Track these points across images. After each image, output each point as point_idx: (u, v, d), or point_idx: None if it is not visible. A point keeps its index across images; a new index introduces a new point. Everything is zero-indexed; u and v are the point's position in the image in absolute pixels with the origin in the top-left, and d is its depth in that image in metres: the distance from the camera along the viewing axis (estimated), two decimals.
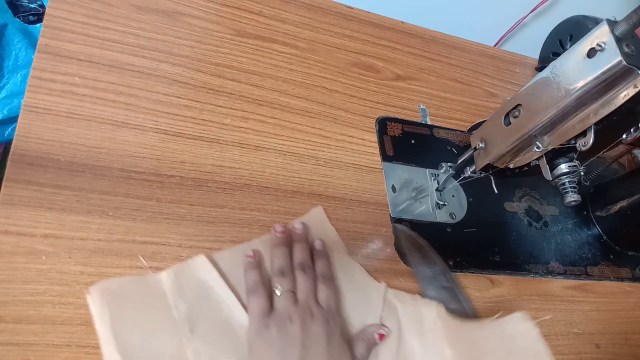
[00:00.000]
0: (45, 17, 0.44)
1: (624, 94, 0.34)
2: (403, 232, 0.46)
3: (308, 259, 0.41)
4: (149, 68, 0.46)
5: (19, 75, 0.78)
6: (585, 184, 0.60)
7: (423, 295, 0.44)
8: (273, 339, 0.35)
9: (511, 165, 0.44)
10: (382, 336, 0.40)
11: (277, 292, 0.38)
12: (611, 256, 0.56)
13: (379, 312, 0.42)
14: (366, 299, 0.42)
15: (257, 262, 0.40)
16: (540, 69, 0.72)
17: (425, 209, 0.51)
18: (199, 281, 0.38)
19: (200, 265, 0.38)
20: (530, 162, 0.42)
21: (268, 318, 0.37)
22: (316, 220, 0.45)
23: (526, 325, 0.41)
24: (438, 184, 0.53)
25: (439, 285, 0.44)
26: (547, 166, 0.41)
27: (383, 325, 0.41)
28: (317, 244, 0.43)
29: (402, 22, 0.66)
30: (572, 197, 0.41)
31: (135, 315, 0.35)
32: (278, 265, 0.40)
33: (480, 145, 0.45)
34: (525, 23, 0.87)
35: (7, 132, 0.79)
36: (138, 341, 0.34)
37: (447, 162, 0.52)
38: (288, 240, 0.42)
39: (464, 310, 0.43)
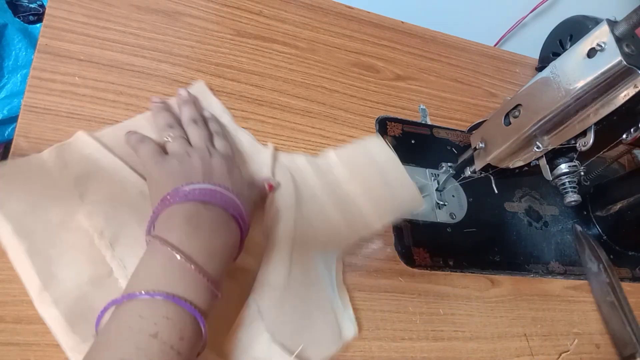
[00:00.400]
0: (45, 17, 0.44)
1: (624, 94, 0.34)
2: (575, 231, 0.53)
3: (198, 114, 0.40)
4: (149, 68, 0.46)
5: (19, 75, 0.79)
6: (585, 184, 0.60)
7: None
8: (174, 165, 0.34)
9: (511, 165, 0.44)
10: (271, 187, 0.41)
11: (169, 139, 0.37)
12: (611, 256, 0.56)
13: (268, 169, 0.43)
14: (257, 161, 0.43)
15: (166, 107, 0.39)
16: (540, 69, 0.72)
17: (425, 209, 0.51)
18: (82, 155, 0.37)
19: (82, 141, 0.38)
20: (530, 162, 0.42)
21: (165, 155, 0.36)
22: (199, 94, 0.45)
23: (381, 144, 0.48)
24: (438, 184, 0.53)
25: (603, 280, 0.50)
26: (547, 166, 0.41)
27: (272, 178, 0.42)
28: (206, 113, 0.43)
29: (402, 22, 0.66)
30: (572, 197, 0.41)
31: (20, 192, 0.34)
32: (163, 121, 0.39)
33: (480, 145, 0.45)
34: (525, 23, 0.87)
35: (7, 132, 0.79)
36: (26, 214, 0.33)
37: (447, 162, 0.52)
38: (167, 106, 0.41)
39: (615, 308, 0.49)
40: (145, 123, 0.41)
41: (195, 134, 0.38)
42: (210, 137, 0.39)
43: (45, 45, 0.43)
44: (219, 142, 0.39)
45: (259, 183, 0.41)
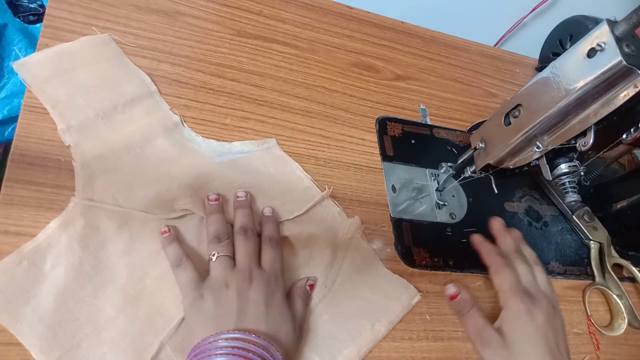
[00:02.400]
0: (45, 17, 0.44)
1: (624, 94, 0.34)
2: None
3: (251, 222, 0.40)
4: (149, 68, 0.46)
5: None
6: (585, 184, 0.60)
7: None
8: (207, 308, 0.34)
9: (511, 165, 0.44)
10: (312, 286, 0.41)
11: (213, 258, 0.37)
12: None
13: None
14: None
15: (174, 236, 0.38)
16: (540, 69, 0.72)
17: (425, 209, 0.51)
18: None
19: None
20: (530, 162, 0.42)
21: (202, 287, 0.35)
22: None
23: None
24: (438, 184, 0.53)
25: None
26: (547, 166, 0.41)
27: (308, 277, 0.41)
28: (267, 210, 0.42)
29: (402, 22, 0.66)
30: (572, 197, 0.41)
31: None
32: (213, 231, 0.38)
33: (480, 145, 0.45)
34: (525, 23, 0.87)
35: (7, 132, 0.79)
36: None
37: (447, 162, 0.52)
38: (222, 209, 0.40)
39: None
40: (181, 226, 0.40)
41: (242, 251, 0.37)
42: (258, 250, 0.39)
43: (45, 45, 0.43)
44: (267, 255, 0.38)
45: (300, 289, 0.40)
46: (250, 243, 0.38)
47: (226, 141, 0.45)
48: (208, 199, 0.40)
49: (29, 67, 0.40)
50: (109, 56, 0.44)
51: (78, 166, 0.38)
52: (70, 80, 0.41)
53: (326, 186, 0.46)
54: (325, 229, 0.44)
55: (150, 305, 0.36)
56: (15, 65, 0.40)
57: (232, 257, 0.37)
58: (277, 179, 0.45)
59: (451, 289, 0.45)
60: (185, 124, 0.44)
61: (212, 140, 0.45)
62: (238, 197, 0.41)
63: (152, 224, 0.38)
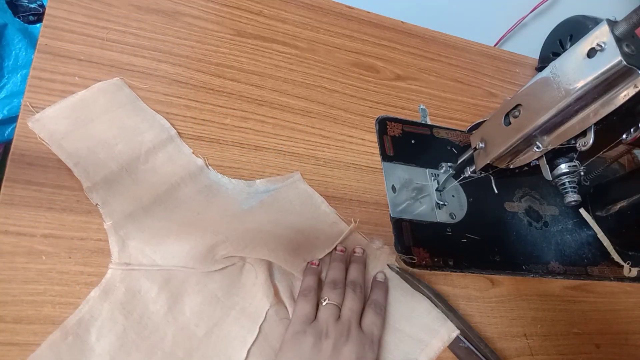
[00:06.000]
0: (45, 17, 0.44)
1: (624, 94, 0.34)
2: (393, 269, 0.45)
3: (362, 280, 0.42)
4: (149, 68, 0.46)
5: (19, 75, 0.79)
6: (585, 184, 0.60)
7: None
8: (304, 348, 0.36)
9: (511, 166, 0.44)
10: None
11: (323, 302, 0.39)
12: (611, 256, 0.56)
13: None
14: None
15: (318, 270, 0.41)
16: (540, 69, 0.72)
17: (425, 209, 0.51)
18: None
19: None
20: (530, 162, 0.42)
21: (308, 325, 0.37)
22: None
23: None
24: (438, 184, 0.53)
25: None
26: (547, 166, 0.41)
27: None
28: (380, 276, 0.44)
29: (402, 22, 0.66)
30: (572, 197, 0.41)
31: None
32: (332, 277, 0.41)
33: (480, 145, 0.45)
34: (525, 23, 0.87)
35: (7, 132, 0.79)
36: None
37: (447, 162, 0.52)
38: (345, 260, 0.43)
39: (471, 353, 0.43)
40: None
41: (348, 305, 0.39)
42: (362, 307, 0.40)
43: (45, 45, 0.43)
44: (369, 319, 0.40)
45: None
46: (357, 300, 0.40)
47: (251, 179, 0.45)
48: (337, 249, 0.43)
49: (45, 123, 0.39)
50: (124, 102, 0.43)
51: (111, 228, 0.37)
52: (89, 133, 0.40)
53: (352, 220, 0.46)
54: None
55: None
56: (31, 123, 0.38)
57: (340, 307, 0.39)
58: (305, 216, 0.45)
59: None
60: (209, 166, 0.44)
61: (240, 180, 0.44)
62: (355, 252, 0.44)
63: (193, 278, 0.37)
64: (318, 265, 0.42)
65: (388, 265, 0.45)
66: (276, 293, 0.39)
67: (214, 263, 0.38)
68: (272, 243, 0.40)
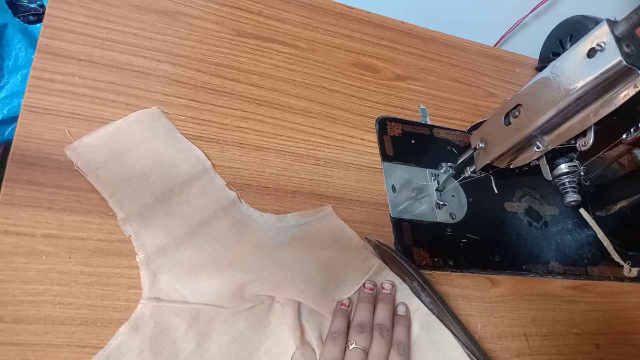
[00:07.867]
0: (45, 17, 0.44)
1: (624, 94, 0.34)
2: (376, 245, 0.44)
3: (389, 322, 0.41)
4: (149, 68, 0.46)
5: (19, 75, 0.78)
6: (585, 184, 0.60)
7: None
8: None
9: (511, 166, 0.44)
10: None
11: (350, 347, 0.38)
12: (611, 256, 0.56)
13: None
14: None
15: (348, 312, 0.40)
16: (540, 69, 0.72)
17: (425, 209, 0.51)
18: None
19: None
20: (530, 162, 0.42)
21: None
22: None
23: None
24: (438, 184, 0.53)
25: (423, 301, 0.43)
26: (547, 166, 0.41)
27: None
28: (401, 309, 0.42)
29: (402, 22, 0.66)
30: (572, 197, 0.41)
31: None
32: (359, 319, 0.40)
33: (480, 145, 0.45)
34: (525, 23, 0.87)
35: (7, 132, 0.79)
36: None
37: (447, 162, 0.52)
38: (374, 298, 0.42)
39: (450, 328, 0.42)
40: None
41: (375, 350, 0.38)
42: (388, 352, 0.39)
43: (45, 45, 0.43)
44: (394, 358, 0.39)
45: None
46: (385, 344, 0.39)
47: (283, 213, 0.44)
48: (365, 287, 0.42)
49: (81, 152, 0.38)
50: (160, 133, 0.42)
51: (143, 262, 0.36)
52: (125, 164, 0.39)
53: (377, 256, 0.45)
54: None
55: None
56: (68, 151, 0.38)
57: (366, 351, 0.38)
58: (337, 251, 0.44)
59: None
60: (242, 200, 0.43)
61: (271, 214, 0.43)
62: (384, 288, 0.42)
63: (221, 316, 0.37)
64: (348, 306, 0.41)
65: (366, 238, 0.44)
66: (303, 333, 0.39)
67: (243, 301, 0.38)
68: (303, 283, 0.38)
